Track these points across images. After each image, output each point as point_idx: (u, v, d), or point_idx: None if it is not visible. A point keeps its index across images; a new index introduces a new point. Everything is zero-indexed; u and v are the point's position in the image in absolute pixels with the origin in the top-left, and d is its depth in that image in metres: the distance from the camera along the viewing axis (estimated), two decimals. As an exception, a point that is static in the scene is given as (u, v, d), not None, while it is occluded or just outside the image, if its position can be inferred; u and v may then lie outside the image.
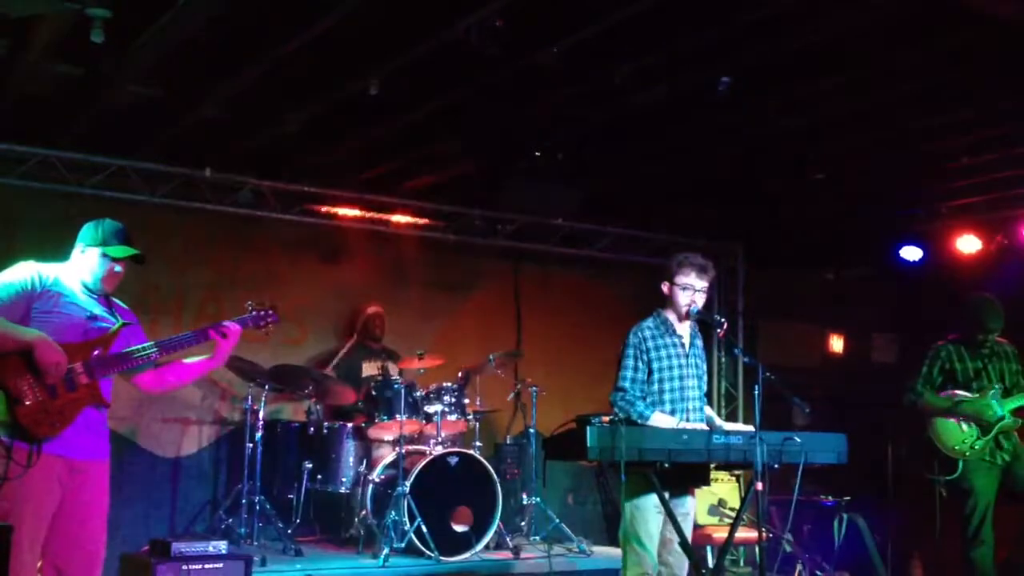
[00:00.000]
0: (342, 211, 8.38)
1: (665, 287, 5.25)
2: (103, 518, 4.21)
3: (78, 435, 4.08)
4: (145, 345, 4.27)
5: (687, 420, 5.16)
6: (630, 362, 5.15)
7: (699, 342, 5.39)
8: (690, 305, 5.18)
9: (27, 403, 3.90)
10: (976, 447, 6.35)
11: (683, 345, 5.25)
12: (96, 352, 4.13)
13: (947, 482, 6.47)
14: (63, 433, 4.01)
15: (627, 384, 5.11)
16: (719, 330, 5.34)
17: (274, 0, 5.32)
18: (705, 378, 5.43)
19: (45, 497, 3.97)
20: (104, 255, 4.26)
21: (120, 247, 4.29)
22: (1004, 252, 8.46)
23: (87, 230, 4.32)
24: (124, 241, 4.32)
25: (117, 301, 4.43)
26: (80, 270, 4.28)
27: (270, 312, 4.59)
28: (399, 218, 8.62)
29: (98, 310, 4.26)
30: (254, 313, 4.55)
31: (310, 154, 7.78)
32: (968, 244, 8.59)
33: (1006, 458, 6.40)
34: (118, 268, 4.31)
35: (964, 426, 6.42)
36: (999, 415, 6.34)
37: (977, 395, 6.43)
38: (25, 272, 4.13)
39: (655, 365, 5.15)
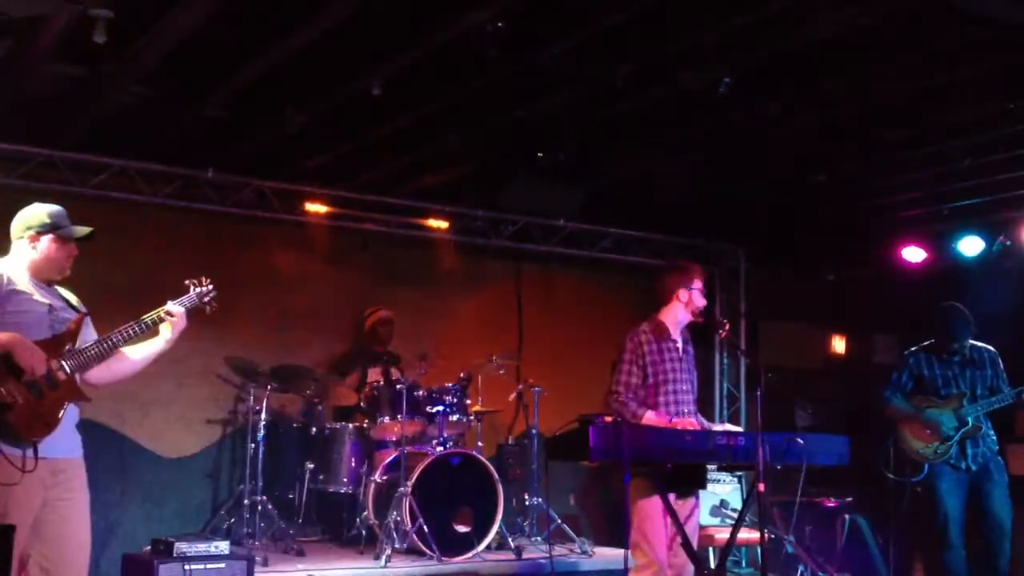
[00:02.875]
0: (344, 211, 8.38)
1: (683, 294, 5.32)
2: (86, 515, 4.12)
3: (61, 435, 3.99)
4: (110, 335, 4.14)
5: None
6: (626, 366, 5.23)
7: (690, 348, 5.45)
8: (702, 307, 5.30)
9: (17, 406, 3.80)
10: (939, 452, 6.47)
11: (678, 349, 5.32)
12: (67, 347, 4.02)
13: (918, 485, 6.59)
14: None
15: (620, 388, 5.19)
16: (721, 331, 5.39)
17: (275, 0, 5.33)
18: (696, 384, 5.47)
19: (30, 502, 3.89)
20: (62, 239, 4.10)
21: (78, 227, 4.14)
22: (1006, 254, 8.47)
23: (30, 219, 4.11)
24: (71, 222, 4.17)
25: (64, 290, 4.27)
26: (30, 260, 4.10)
27: (209, 289, 4.43)
28: (401, 218, 8.62)
29: (55, 302, 4.13)
30: (195, 292, 4.40)
31: (312, 154, 7.78)
32: (970, 245, 8.58)
33: (972, 467, 6.47)
34: (74, 252, 4.16)
35: (926, 431, 6.53)
36: (954, 427, 6.44)
37: (942, 403, 6.53)
38: None
39: (651, 369, 5.21)
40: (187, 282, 4.44)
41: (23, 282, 4.07)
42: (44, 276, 4.14)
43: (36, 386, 3.88)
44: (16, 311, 3.98)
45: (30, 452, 3.83)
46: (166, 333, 4.28)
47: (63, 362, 3.99)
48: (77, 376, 4.08)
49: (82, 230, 4.17)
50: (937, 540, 6.47)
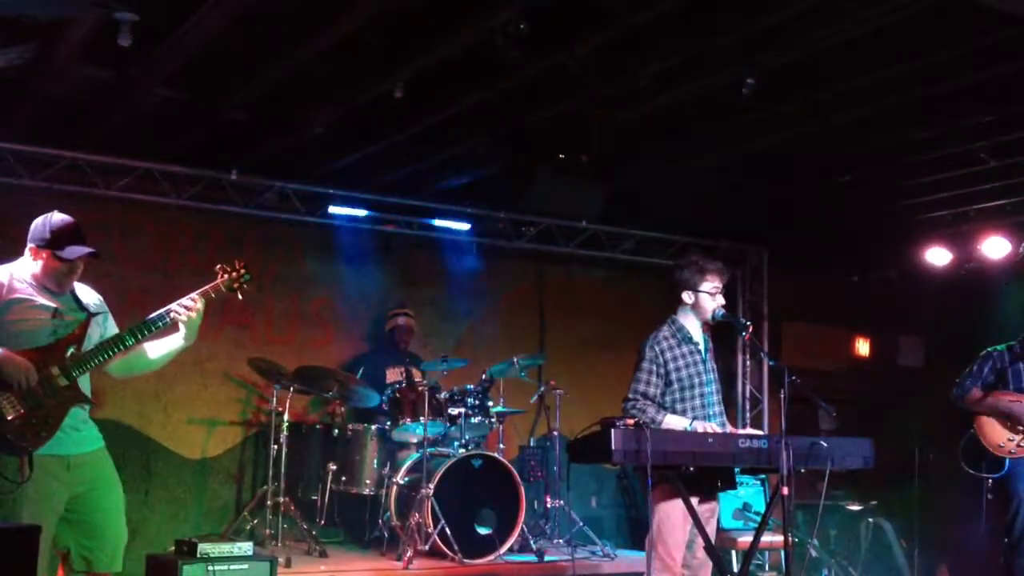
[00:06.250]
0: (366, 213, 8.39)
1: (688, 296, 5.19)
2: (120, 504, 4.19)
3: (67, 434, 4.02)
4: (119, 335, 4.14)
5: None
6: (644, 375, 5.09)
7: (709, 345, 5.35)
8: (716, 309, 5.16)
9: (8, 418, 3.83)
10: (1021, 445, 6.32)
11: (700, 352, 5.20)
12: (70, 352, 4.02)
13: (993, 484, 6.42)
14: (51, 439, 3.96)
15: (638, 396, 5.06)
16: (744, 333, 5.31)
17: (299, 2, 5.34)
18: (720, 384, 5.39)
19: (43, 499, 3.94)
20: (57, 257, 4.07)
21: (72, 247, 4.09)
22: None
23: (37, 229, 4.12)
24: (76, 239, 4.12)
25: (81, 290, 4.27)
26: (33, 269, 4.11)
27: (241, 272, 4.36)
28: (423, 220, 8.63)
29: (62, 306, 4.12)
30: (225, 276, 4.33)
31: (335, 156, 7.80)
32: (995, 247, 8.51)
33: None
34: (77, 267, 4.14)
35: (1008, 423, 6.39)
36: None
37: (1020, 396, 6.41)
38: None
39: (674, 376, 5.09)
40: (217, 267, 4.38)
41: (27, 289, 4.08)
42: (47, 286, 4.14)
43: (33, 395, 3.91)
44: (14, 320, 4.01)
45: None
46: (181, 328, 4.25)
47: (64, 367, 4.00)
48: (85, 378, 4.11)
49: (78, 251, 4.10)
50: (1011, 544, 6.30)
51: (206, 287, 4.30)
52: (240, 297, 4.41)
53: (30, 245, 4.12)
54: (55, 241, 4.09)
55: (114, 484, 4.20)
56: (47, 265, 4.10)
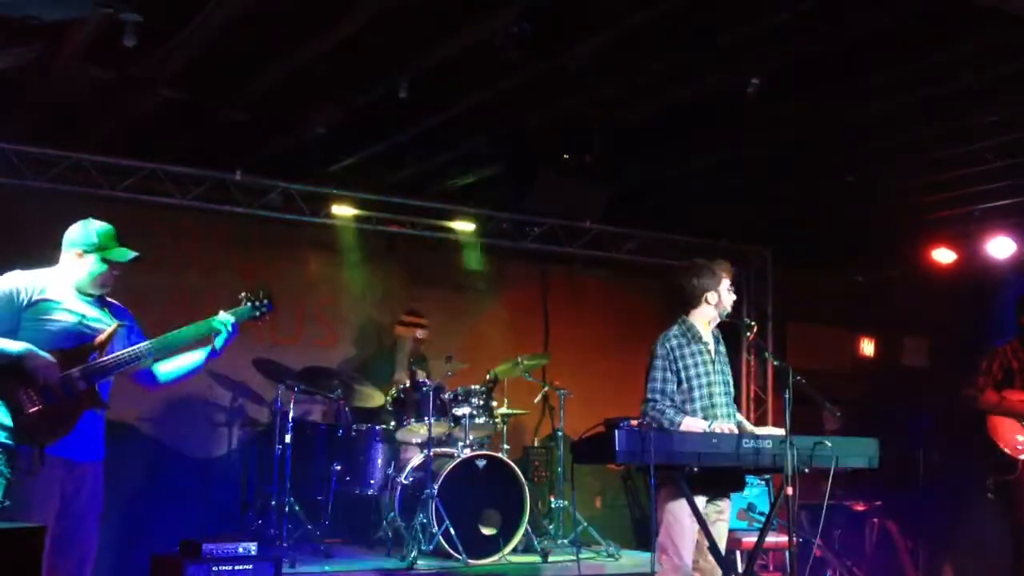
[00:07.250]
0: (370, 214, 8.40)
1: (712, 296, 5.25)
2: (96, 519, 4.23)
3: (78, 437, 4.08)
4: (141, 345, 4.21)
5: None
6: (658, 374, 5.13)
7: (722, 347, 5.37)
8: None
9: (27, 412, 3.92)
10: None
11: (709, 351, 5.23)
12: (93, 356, 4.10)
13: (1001, 484, 6.38)
14: (64, 438, 4.03)
15: (656, 396, 5.09)
16: (749, 333, 5.32)
17: (301, 3, 5.35)
18: (731, 382, 5.40)
19: (48, 500, 3.99)
20: (105, 260, 4.22)
21: (120, 251, 4.25)
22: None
23: (79, 233, 4.25)
24: (120, 243, 4.28)
25: (112, 300, 4.38)
26: (73, 274, 4.22)
27: (265, 302, 4.45)
28: (427, 220, 8.63)
29: (91, 312, 4.21)
30: (249, 305, 4.43)
31: (339, 157, 7.80)
32: (1001, 246, 8.49)
33: None
34: (116, 271, 4.28)
35: (1021, 424, 6.37)
36: None
37: None
38: (9, 284, 4.09)
39: (683, 374, 5.13)
40: (241, 295, 4.47)
41: (59, 292, 4.17)
42: (86, 290, 4.24)
43: (51, 392, 3.98)
44: (41, 320, 4.08)
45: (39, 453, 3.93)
46: (217, 342, 4.33)
47: (84, 371, 4.07)
48: (105, 385, 4.18)
49: (127, 254, 4.27)
50: (1016, 546, 6.29)
51: (232, 312, 4.38)
52: (260, 325, 4.53)
53: (74, 250, 4.23)
54: (102, 246, 4.23)
55: (98, 500, 4.24)
56: (91, 269, 4.22)
